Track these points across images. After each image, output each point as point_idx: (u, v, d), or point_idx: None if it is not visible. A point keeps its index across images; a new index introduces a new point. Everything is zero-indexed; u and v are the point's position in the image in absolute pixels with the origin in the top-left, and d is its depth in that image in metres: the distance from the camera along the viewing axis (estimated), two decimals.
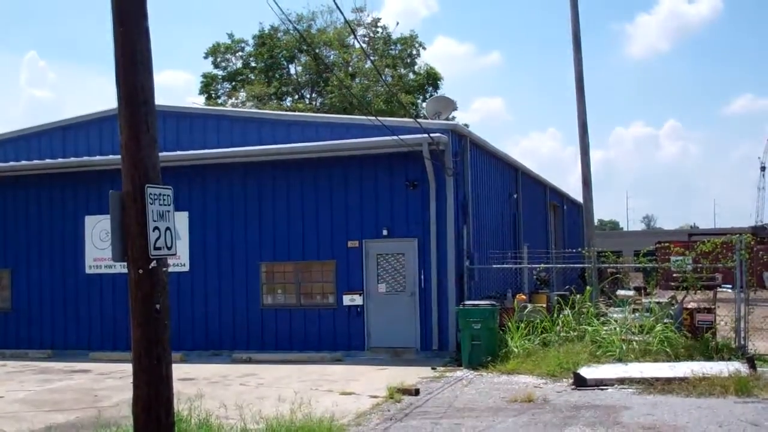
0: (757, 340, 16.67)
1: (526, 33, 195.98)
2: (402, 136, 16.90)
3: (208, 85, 52.59)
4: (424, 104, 38.96)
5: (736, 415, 10.94)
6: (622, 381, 13.36)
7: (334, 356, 17.64)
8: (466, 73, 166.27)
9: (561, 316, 17.33)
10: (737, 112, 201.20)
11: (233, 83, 52.35)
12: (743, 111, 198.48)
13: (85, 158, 20.21)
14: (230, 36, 52.37)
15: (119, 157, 7.43)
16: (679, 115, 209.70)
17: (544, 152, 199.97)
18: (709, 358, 14.99)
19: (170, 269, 7.81)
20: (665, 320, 16.52)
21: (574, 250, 20.24)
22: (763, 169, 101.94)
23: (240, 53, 52.99)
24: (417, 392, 12.94)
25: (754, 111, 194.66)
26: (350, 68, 48.05)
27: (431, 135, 17.12)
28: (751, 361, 14.60)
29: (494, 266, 19.24)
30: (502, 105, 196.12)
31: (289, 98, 51.20)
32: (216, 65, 52.91)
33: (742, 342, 16.11)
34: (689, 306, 17.10)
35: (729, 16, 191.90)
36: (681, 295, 18.14)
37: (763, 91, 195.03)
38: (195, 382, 14.45)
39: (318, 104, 48.76)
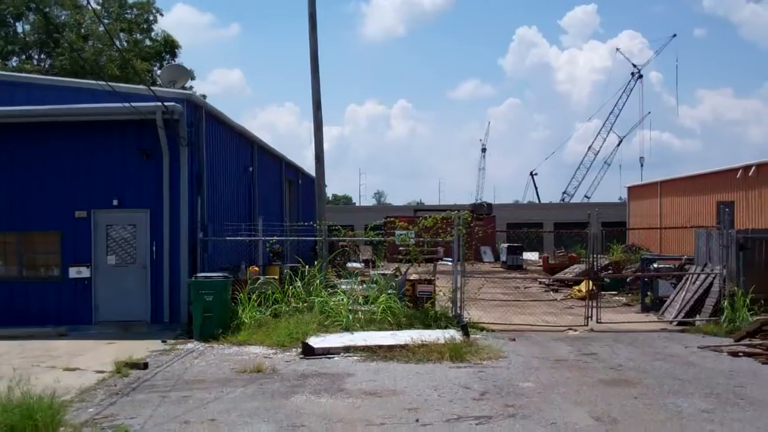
0: (472, 309, 18.09)
1: (266, 7, 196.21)
2: (135, 104, 16.46)
3: None
4: (159, 72, 37.98)
5: (450, 378, 11.84)
6: (347, 349, 13.97)
7: (58, 331, 16.88)
8: (207, 44, 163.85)
9: (292, 287, 17.77)
10: (463, 97, 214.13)
11: None
12: (468, 95, 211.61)
13: None
14: None
15: None
16: (410, 96, 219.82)
17: (281, 126, 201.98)
18: (428, 327, 16.03)
19: None
20: (389, 291, 17.43)
21: (306, 224, 20.71)
22: (483, 150, 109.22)
23: None
24: (146, 366, 12.79)
25: (478, 96, 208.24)
26: (83, 30, 45.79)
27: (165, 104, 16.82)
28: (465, 328, 15.84)
29: (228, 238, 19.25)
30: (242, 77, 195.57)
31: (15, 58, 48.06)
32: None
33: (458, 311, 17.36)
34: (412, 277, 18.14)
35: (459, 6, 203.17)
36: (404, 267, 19.19)
37: (486, 78, 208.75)
38: None
39: (47, 66, 46.12)
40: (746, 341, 15.19)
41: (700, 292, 18.94)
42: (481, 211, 49.64)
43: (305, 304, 17.22)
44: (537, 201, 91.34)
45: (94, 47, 44.43)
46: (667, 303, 20.12)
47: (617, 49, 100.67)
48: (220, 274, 16.64)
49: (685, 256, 23.69)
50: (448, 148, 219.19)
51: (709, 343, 15.34)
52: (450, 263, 18.64)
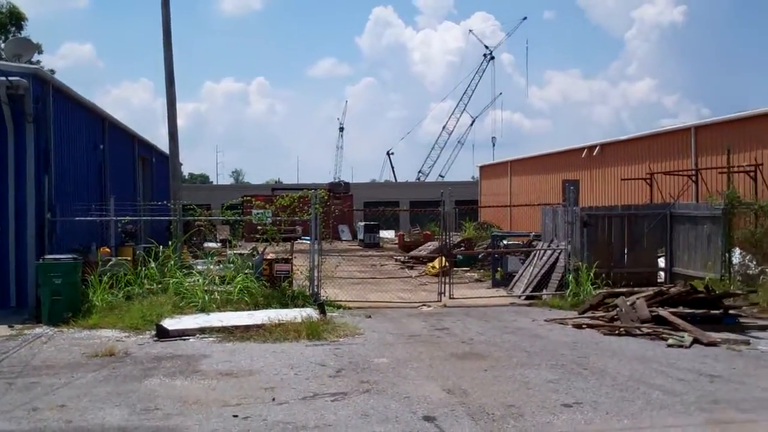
0: (329, 287, 18.23)
1: None
2: None
3: None
4: (4, 45, 36.20)
5: (307, 357, 11.95)
6: (203, 330, 13.81)
7: None
8: (56, 16, 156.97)
9: (146, 269, 17.42)
10: (320, 75, 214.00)
11: None
12: (326, 74, 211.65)
13: None
14: None
15: None
16: (268, 74, 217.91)
17: (136, 103, 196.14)
18: (286, 306, 16.08)
19: None
20: (246, 271, 17.35)
21: (161, 203, 20.30)
22: (341, 129, 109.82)
23: None
24: None
25: (335, 75, 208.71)
26: None
27: (10, 78, 16.15)
28: (322, 307, 15.98)
29: (78, 218, 18.63)
30: (93, 52, 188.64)
31: None
32: None
33: (316, 290, 17.50)
34: (269, 257, 18.13)
35: None
36: (262, 247, 19.14)
37: (343, 57, 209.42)
38: None
39: None
40: (589, 314, 15.95)
41: (546, 267, 19.78)
42: (339, 190, 49.98)
43: (159, 286, 16.92)
44: (393, 180, 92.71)
45: None
46: (515, 278, 20.91)
47: (470, 31, 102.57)
48: (70, 256, 16.11)
49: (533, 233, 24.62)
50: (307, 127, 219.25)
51: (555, 317, 16.06)
52: (308, 242, 18.73)
